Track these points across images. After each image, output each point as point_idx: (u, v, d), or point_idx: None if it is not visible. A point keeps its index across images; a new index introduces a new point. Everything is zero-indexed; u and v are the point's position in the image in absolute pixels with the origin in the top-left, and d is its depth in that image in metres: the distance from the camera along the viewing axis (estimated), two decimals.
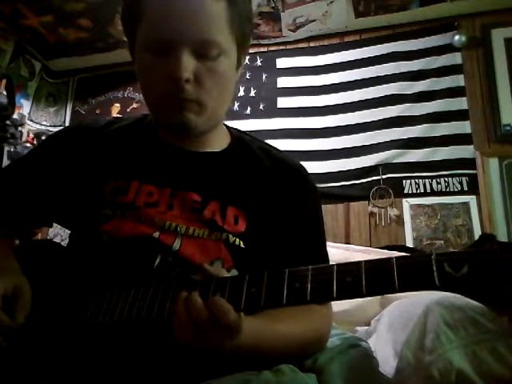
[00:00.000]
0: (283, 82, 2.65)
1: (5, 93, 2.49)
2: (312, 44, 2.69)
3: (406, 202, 2.28)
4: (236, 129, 0.91)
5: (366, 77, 2.52)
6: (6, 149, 2.44)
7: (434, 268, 0.47)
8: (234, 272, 0.72)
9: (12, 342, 0.67)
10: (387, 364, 0.89)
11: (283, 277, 0.55)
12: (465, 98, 2.34)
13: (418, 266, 0.48)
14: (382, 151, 2.37)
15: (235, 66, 0.78)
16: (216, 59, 0.71)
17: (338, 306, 0.79)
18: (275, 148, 0.90)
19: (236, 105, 2.62)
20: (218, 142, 0.84)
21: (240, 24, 0.74)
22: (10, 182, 0.87)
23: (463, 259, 0.47)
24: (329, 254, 0.86)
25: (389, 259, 0.51)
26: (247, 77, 2.68)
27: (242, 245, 0.74)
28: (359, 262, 0.52)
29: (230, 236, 0.74)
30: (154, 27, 0.70)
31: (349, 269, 0.52)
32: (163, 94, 0.71)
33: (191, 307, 0.55)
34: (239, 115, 2.59)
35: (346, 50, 2.61)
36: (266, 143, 0.91)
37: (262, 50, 2.73)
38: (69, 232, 0.86)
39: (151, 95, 0.75)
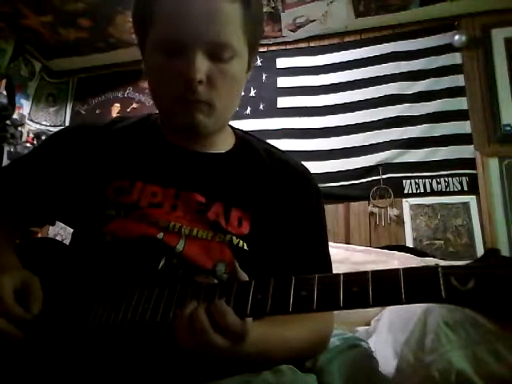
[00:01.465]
0: (283, 81, 2.66)
1: (5, 93, 2.49)
2: (312, 44, 2.69)
3: (406, 202, 2.29)
4: (240, 129, 0.91)
5: (366, 77, 2.52)
6: (6, 149, 2.44)
7: (441, 281, 0.47)
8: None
9: (28, 333, 0.66)
10: (387, 364, 0.89)
11: (289, 284, 0.55)
12: (465, 98, 2.34)
13: (425, 279, 0.48)
14: (382, 151, 2.37)
15: (246, 68, 0.78)
16: (229, 61, 0.71)
17: None
18: (279, 149, 0.90)
19: None
20: (223, 143, 0.84)
21: (253, 26, 0.74)
22: (12, 180, 0.87)
23: (470, 273, 0.47)
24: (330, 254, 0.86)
25: (396, 270, 0.51)
26: None
27: (245, 247, 0.74)
28: (366, 273, 0.52)
29: (234, 238, 0.73)
30: (168, 28, 0.69)
31: (355, 279, 0.52)
32: (174, 95, 0.71)
33: (195, 320, 0.55)
34: (239, 115, 2.58)
35: (345, 50, 2.61)
36: (269, 144, 0.90)
37: (262, 50, 2.73)
38: (70, 231, 0.86)
39: (161, 95, 0.75)
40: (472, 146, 2.27)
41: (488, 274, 0.46)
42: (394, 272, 0.51)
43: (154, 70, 0.74)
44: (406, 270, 0.50)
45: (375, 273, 0.52)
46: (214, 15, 0.68)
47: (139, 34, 0.76)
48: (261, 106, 2.64)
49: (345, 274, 0.53)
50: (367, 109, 2.46)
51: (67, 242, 0.85)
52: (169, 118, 0.78)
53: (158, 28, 0.71)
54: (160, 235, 0.72)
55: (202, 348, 0.56)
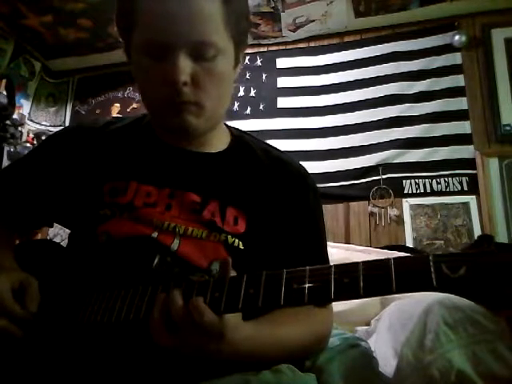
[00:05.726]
0: (283, 81, 2.65)
1: (5, 93, 2.50)
2: (312, 44, 2.69)
3: (406, 202, 2.28)
4: (237, 128, 0.91)
5: (366, 77, 2.52)
6: (6, 149, 2.44)
7: (432, 269, 0.47)
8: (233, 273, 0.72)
9: (27, 331, 0.67)
10: (387, 364, 0.89)
11: (281, 277, 0.55)
12: (465, 98, 2.34)
13: (416, 267, 0.48)
14: (382, 151, 2.37)
15: (233, 64, 0.77)
16: (213, 60, 0.71)
17: (338, 306, 0.79)
18: (276, 148, 0.90)
19: (236, 105, 2.62)
20: (218, 142, 0.84)
21: (236, 22, 0.73)
22: (10, 183, 0.87)
23: (461, 260, 0.46)
24: (329, 253, 0.86)
25: (386, 260, 0.50)
26: (247, 77, 2.68)
27: (241, 246, 0.74)
28: (357, 263, 0.52)
29: (229, 237, 0.73)
30: (149, 31, 0.69)
31: (346, 270, 0.52)
32: (161, 98, 0.71)
33: (171, 307, 0.55)
34: (239, 115, 2.59)
35: (345, 50, 2.61)
36: (266, 143, 0.91)
37: (262, 50, 2.73)
38: (69, 232, 0.86)
39: (149, 98, 0.75)
40: (472, 145, 2.27)
41: (479, 260, 0.46)
42: (385, 262, 0.50)
43: (141, 74, 0.74)
44: (396, 259, 0.50)
45: (366, 263, 0.51)
46: (194, 15, 0.68)
47: (123, 37, 0.76)
48: (261, 106, 2.64)
49: (336, 266, 0.53)
50: (367, 109, 2.46)
51: (67, 242, 0.86)
52: (159, 121, 0.79)
53: (140, 32, 0.71)
54: (154, 234, 0.72)
55: (178, 345, 0.56)
